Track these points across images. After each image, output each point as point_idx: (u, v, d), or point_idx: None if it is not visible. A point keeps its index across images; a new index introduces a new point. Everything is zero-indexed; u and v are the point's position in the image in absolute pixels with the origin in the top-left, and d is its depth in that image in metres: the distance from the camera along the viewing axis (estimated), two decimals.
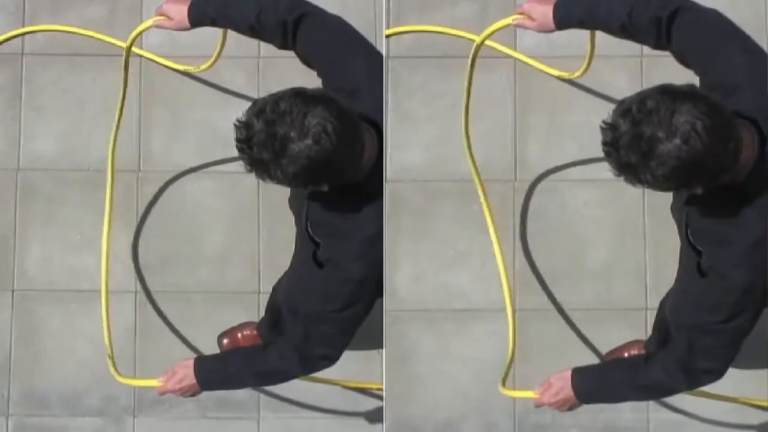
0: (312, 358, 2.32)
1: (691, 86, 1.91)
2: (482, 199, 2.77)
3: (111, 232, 3.25)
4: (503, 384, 2.63)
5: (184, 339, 3.21)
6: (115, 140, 2.86)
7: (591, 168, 3.21)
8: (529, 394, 2.43)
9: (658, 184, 1.88)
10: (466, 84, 2.67)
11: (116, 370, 2.73)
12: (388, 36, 3.29)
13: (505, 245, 3.20)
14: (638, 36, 2.22)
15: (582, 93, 3.26)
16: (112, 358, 2.77)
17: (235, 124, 1.99)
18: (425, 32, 3.33)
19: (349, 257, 2.17)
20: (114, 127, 2.85)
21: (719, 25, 2.16)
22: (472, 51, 2.59)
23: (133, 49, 3.25)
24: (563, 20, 2.28)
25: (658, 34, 2.17)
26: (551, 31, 2.32)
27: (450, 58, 3.30)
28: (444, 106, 3.29)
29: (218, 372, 2.44)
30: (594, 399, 2.40)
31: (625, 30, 2.22)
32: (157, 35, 2.99)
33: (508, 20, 2.40)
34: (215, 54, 3.05)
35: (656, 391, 2.41)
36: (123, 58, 2.68)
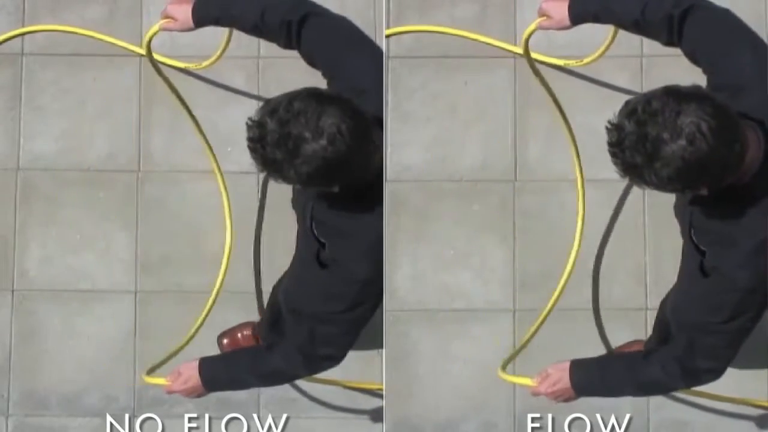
0: (316, 359, 2.32)
1: (697, 87, 1.91)
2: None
3: (110, 232, 3.27)
4: (503, 369, 2.64)
5: (184, 339, 3.21)
6: (208, 145, 2.92)
7: (591, 168, 3.20)
8: (527, 381, 2.43)
9: (662, 185, 1.88)
10: (543, 87, 2.67)
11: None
12: (388, 36, 3.28)
13: (505, 245, 3.22)
14: (650, 32, 2.23)
15: (583, 93, 3.26)
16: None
17: (247, 123, 1.99)
18: (425, 32, 3.33)
19: (355, 258, 2.17)
20: (198, 132, 2.89)
21: (730, 24, 2.16)
22: (530, 67, 2.58)
23: (133, 48, 3.27)
24: (578, 15, 2.29)
25: (669, 31, 2.18)
26: (568, 27, 2.33)
27: (450, 58, 3.30)
28: (444, 106, 3.29)
29: (222, 373, 2.44)
30: (591, 392, 2.40)
31: (637, 26, 2.23)
32: (158, 35, 2.98)
33: (533, 25, 2.40)
34: (219, 51, 3.05)
35: (654, 388, 2.41)
36: (151, 65, 2.68)
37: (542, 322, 2.91)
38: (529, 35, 2.45)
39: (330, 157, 1.94)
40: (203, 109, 3.30)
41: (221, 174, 3.01)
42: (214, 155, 2.95)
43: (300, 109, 1.94)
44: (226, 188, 3.05)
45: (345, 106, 1.96)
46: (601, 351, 3.15)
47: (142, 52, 2.66)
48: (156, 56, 3.28)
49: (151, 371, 2.80)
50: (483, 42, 3.27)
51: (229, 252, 3.07)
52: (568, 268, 2.98)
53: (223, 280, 3.07)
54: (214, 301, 3.05)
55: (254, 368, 2.39)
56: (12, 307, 3.24)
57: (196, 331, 3.01)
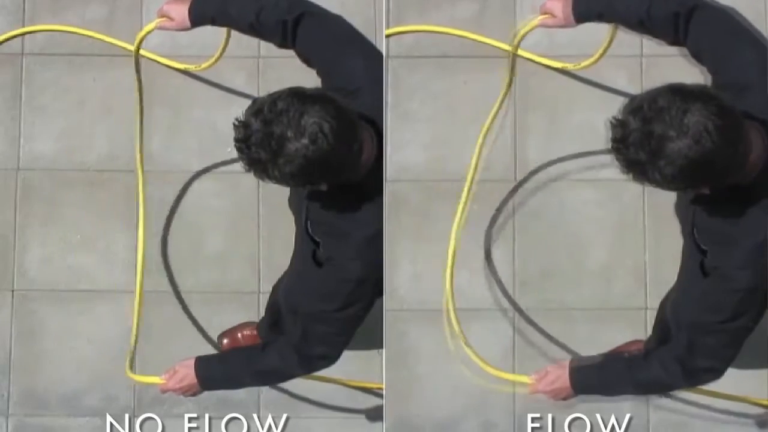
0: (311, 358, 2.32)
1: (702, 86, 1.92)
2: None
3: (110, 232, 3.27)
4: None
5: (184, 339, 3.21)
6: (141, 142, 2.87)
7: (591, 168, 3.21)
8: (524, 379, 2.43)
9: (666, 182, 1.88)
10: (503, 91, 2.67)
11: (131, 366, 2.74)
12: (388, 36, 3.28)
13: (505, 245, 3.22)
14: (656, 31, 2.23)
15: (582, 93, 3.26)
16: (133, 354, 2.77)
17: (234, 124, 2.00)
18: (425, 32, 3.33)
19: (348, 256, 2.18)
20: (138, 131, 2.85)
21: (734, 24, 2.17)
22: (510, 61, 2.57)
23: (130, 47, 3.27)
24: (582, 14, 2.29)
25: (675, 30, 2.18)
26: (572, 26, 2.33)
27: (450, 58, 3.30)
28: (444, 106, 3.29)
29: (218, 372, 2.44)
30: (590, 391, 2.40)
31: (642, 25, 2.23)
32: (157, 35, 2.98)
33: (535, 22, 2.40)
34: (218, 53, 3.05)
35: (654, 388, 2.42)
36: (133, 62, 2.69)
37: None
38: (526, 33, 2.44)
39: (312, 156, 1.94)
40: (203, 109, 3.31)
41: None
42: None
43: (283, 109, 1.95)
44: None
45: (328, 105, 1.97)
46: (601, 351, 3.14)
47: (132, 48, 2.66)
48: (156, 57, 3.30)
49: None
50: (483, 42, 3.27)
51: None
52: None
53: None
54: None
55: (250, 367, 2.39)
56: (12, 307, 3.24)
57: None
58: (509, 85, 2.66)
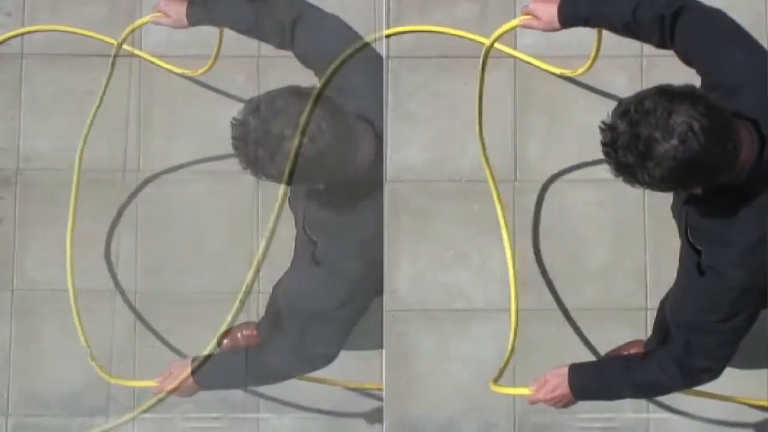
0: (309, 358, 2.32)
1: (690, 86, 1.92)
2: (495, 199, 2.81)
3: (112, 232, 3.27)
4: (494, 382, 2.63)
5: (184, 339, 3.21)
6: (85, 140, 2.87)
7: (591, 168, 3.21)
8: (524, 390, 2.42)
9: (655, 184, 1.88)
10: (477, 88, 2.67)
11: (105, 372, 2.75)
12: (388, 36, 3.29)
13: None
14: (642, 34, 2.23)
15: (582, 93, 3.26)
16: (95, 360, 2.79)
17: (231, 122, 2.00)
18: (425, 32, 3.33)
19: (345, 256, 2.18)
20: (87, 123, 2.85)
21: (723, 24, 2.16)
22: (483, 54, 2.58)
23: (134, 50, 3.27)
24: (568, 18, 2.28)
25: (661, 32, 2.18)
26: (556, 30, 2.32)
27: (450, 58, 3.30)
28: (444, 106, 3.29)
29: (216, 371, 2.44)
30: (590, 396, 2.40)
31: (629, 28, 2.22)
32: (157, 35, 2.99)
33: (516, 21, 2.40)
34: (213, 56, 3.04)
35: (653, 389, 2.41)
36: (113, 51, 2.68)
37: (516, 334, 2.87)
38: (506, 31, 2.44)
39: (310, 155, 1.95)
40: (202, 110, 3.31)
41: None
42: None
43: (282, 107, 1.95)
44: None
45: (326, 105, 1.97)
46: (600, 352, 3.14)
47: (130, 48, 2.66)
48: (155, 60, 3.30)
49: None
50: (483, 42, 3.27)
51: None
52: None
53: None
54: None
55: (248, 367, 2.39)
56: (12, 307, 3.24)
57: None
58: (481, 81, 2.66)
